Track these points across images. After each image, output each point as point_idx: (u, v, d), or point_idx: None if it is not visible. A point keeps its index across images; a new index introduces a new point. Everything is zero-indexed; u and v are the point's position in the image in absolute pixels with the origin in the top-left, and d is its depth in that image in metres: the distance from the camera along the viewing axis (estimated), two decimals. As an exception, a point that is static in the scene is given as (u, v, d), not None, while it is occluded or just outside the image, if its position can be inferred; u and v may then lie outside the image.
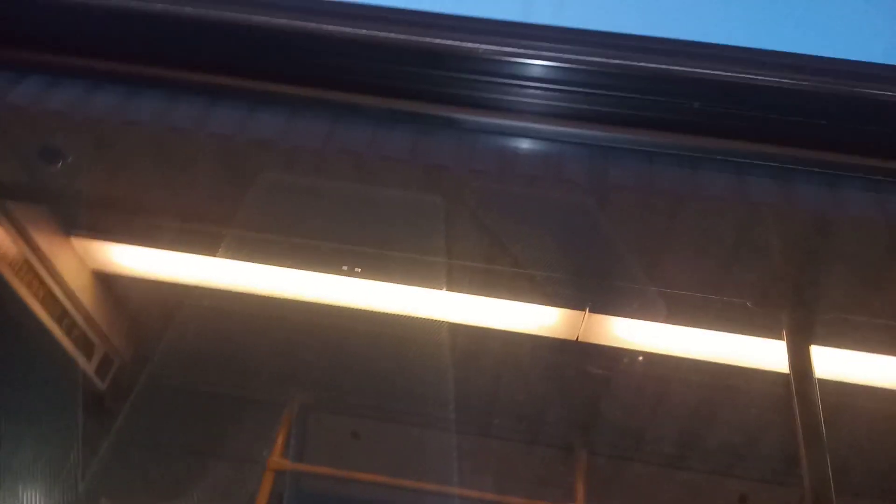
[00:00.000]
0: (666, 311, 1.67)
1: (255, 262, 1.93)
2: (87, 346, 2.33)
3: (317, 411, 2.43)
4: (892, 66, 1.06)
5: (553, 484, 2.12)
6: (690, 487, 2.13)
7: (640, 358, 1.82)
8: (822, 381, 1.35)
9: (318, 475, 2.39)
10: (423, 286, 1.86)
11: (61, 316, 2.18)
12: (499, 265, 1.61)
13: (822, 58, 0.96)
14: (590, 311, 1.66)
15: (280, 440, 2.32)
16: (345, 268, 1.93)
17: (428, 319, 1.89)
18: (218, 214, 1.86)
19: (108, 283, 2.20)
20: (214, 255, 1.97)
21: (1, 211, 1.84)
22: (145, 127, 1.46)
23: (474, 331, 1.87)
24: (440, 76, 0.90)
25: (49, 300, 2.10)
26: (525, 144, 1.09)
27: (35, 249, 1.97)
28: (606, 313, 1.70)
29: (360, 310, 1.97)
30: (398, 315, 1.93)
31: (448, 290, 1.83)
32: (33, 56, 1.09)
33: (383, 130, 1.10)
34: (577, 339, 1.74)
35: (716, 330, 1.71)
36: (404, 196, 1.43)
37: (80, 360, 2.31)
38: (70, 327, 2.23)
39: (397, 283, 1.89)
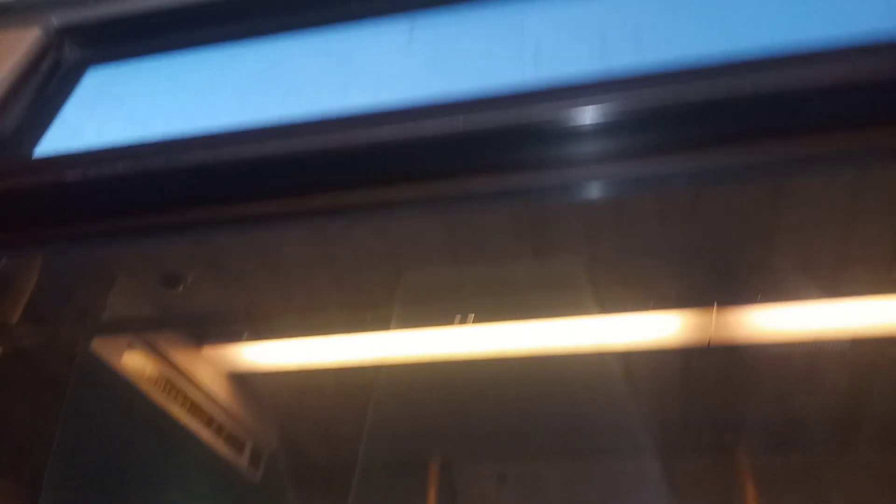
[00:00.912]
0: (799, 288, 1.58)
1: (371, 332, 1.99)
2: (236, 444, 2.45)
3: (460, 463, 2.44)
4: None
5: (717, 491, 2.03)
6: (862, 469, 1.99)
7: (779, 344, 1.73)
8: None
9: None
10: (536, 319, 1.85)
11: (209, 421, 2.31)
12: (615, 282, 1.58)
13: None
14: (717, 308, 1.60)
15: (432, 498, 2.35)
16: (458, 317, 1.95)
17: (551, 352, 1.87)
18: (327, 299, 1.93)
19: (242, 381, 2.31)
20: (330, 335, 2.05)
21: (139, 339, 1.98)
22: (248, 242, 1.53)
23: (599, 354, 1.83)
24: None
25: (195, 409, 2.24)
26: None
27: (174, 366, 2.11)
28: (735, 305, 1.63)
29: (484, 357, 1.98)
30: (521, 353, 1.93)
31: (563, 316, 1.81)
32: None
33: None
34: (709, 342, 1.68)
35: (853, 297, 1.61)
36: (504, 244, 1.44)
37: (233, 457, 2.44)
38: (218, 430, 2.36)
39: (511, 321, 1.89)
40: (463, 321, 1.96)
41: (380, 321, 1.99)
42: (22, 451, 1.98)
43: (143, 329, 1.86)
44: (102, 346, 1.85)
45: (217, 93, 0.97)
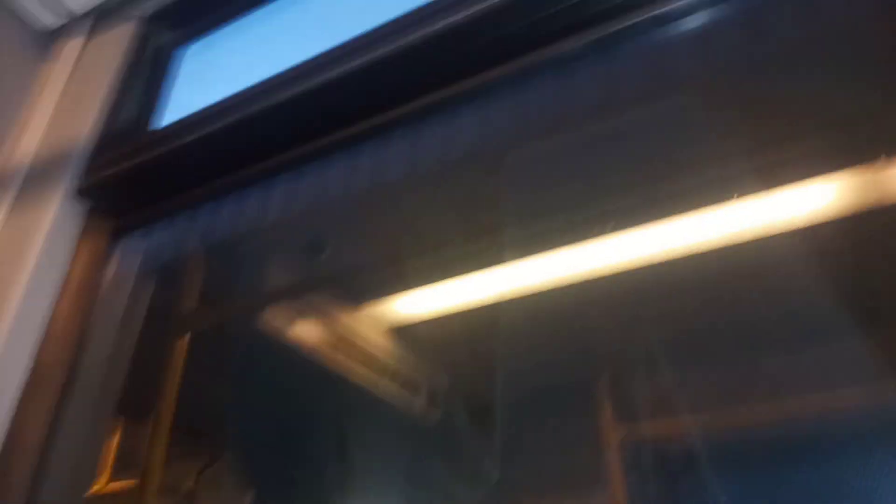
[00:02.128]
0: None
1: (526, 257, 1.97)
2: (414, 386, 2.58)
3: (632, 376, 2.39)
4: None
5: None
6: None
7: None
8: None
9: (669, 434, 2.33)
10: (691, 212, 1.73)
11: (384, 369, 2.44)
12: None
13: None
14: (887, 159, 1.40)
15: (608, 411, 2.32)
16: (605, 229, 1.88)
17: (711, 248, 1.75)
18: (469, 233, 1.93)
19: (404, 331, 2.40)
20: (482, 271, 2.06)
21: (303, 307, 2.11)
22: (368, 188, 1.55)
23: (764, 238, 1.69)
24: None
25: (371, 361, 2.38)
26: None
27: (341, 326, 2.24)
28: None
29: (640, 263, 1.90)
30: (676, 254, 1.83)
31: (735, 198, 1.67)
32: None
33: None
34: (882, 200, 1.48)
35: None
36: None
37: (413, 399, 2.57)
38: (395, 375, 2.49)
39: (664, 219, 1.79)
40: (605, 230, 1.89)
41: (538, 243, 1.96)
42: (219, 426, 2.21)
43: (302, 296, 1.98)
44: (272, 320, 1.99)
45: (292, 34, 0.99)
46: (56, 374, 1.28)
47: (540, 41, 1.02)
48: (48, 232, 1.27)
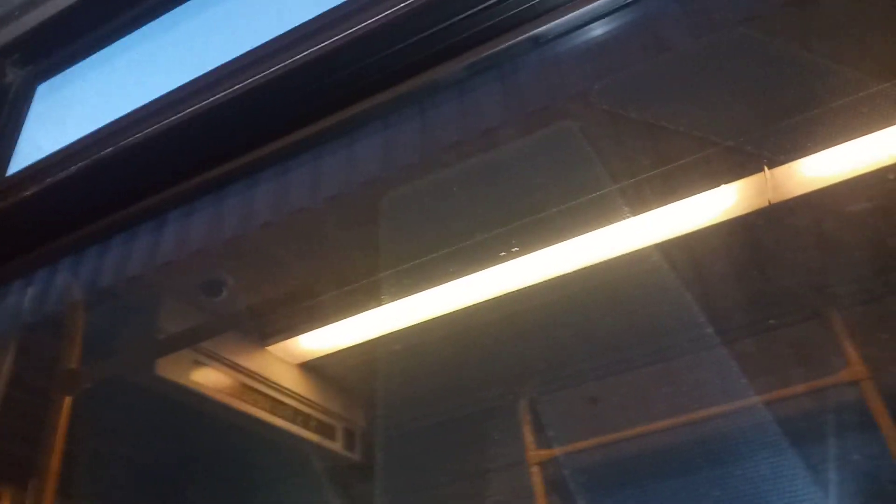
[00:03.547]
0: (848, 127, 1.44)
1: (424, 288, 1.94)
2: (327, 430, 2.48)
3: (548, 395, 2.40)
4: None
5: (818, 357, 1.92)
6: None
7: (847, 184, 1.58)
8: None
9: (582, 450, 2.35)
10: (585, 231, 1.76)
11: (294, 416, 2.33)
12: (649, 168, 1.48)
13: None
14: (769, 168, 1.48)
15: (528, 434, 2.32)
16: (503, 254, 1.88)
17: (612, 259, 1.78)
18: (372, 265, 1.89)
19: (313, 369, 2.32)
20: (388, 301, 2.01)
21: (200, 354, 1.99)
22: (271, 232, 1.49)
23: (662, 247, 1.74)
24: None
25: (277, 408, 2.26)
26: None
27: (244, 371, 2.12)
28: (786, 161, 1.50)
29: (539, 283, 1.91)
30: (577, 271, 1.85)
31: (616, 220, 1.71)
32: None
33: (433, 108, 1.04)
34: (770, 202, 1.56)
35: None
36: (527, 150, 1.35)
37: (327, 443, 2.46)
38: (305, 421, 2.38)
39: (556, 242, 1.81)
40: (507, 255, 1.89)
41: (434, 276, 1.94)
42: (123, 481, 2.04)
43: (198, 341, 1.87)
44: (167, 368, 1.86)
45: (159, 62, 0.93)
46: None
47: (408, 70, 1.00)
48: None
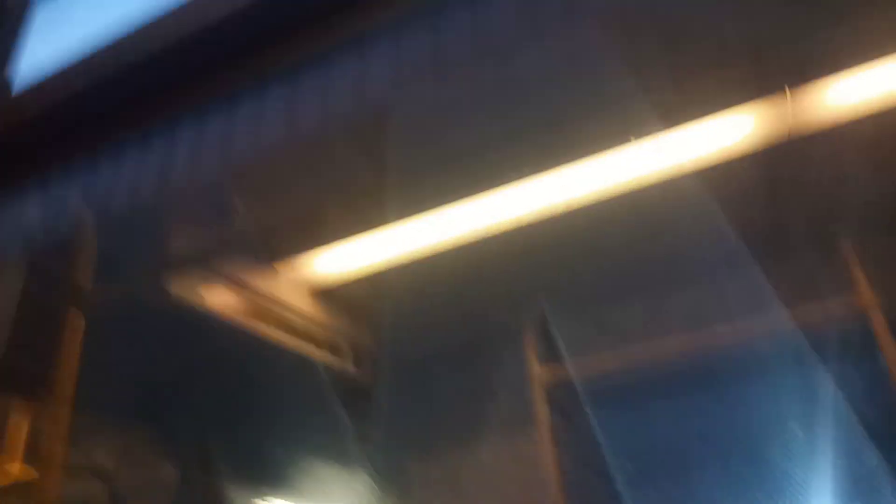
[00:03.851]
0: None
1: (434, 208, 1.93)
2: (338, 350, 2.52)
3: (555, 316, 2.42)
4: None
5: (827, 281, 1.91)
6: None
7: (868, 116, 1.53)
8: None
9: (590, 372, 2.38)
10: (600, 152, 1.72)
11: (304, 336, 2.37)
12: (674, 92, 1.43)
13: None
14: (790, 91, 1.43)
15: (531, 353, 2.36)
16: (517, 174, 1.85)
17: (628, 182, 1.75)
18: (382, 185, 1.87)
19: (325, 291, 2.34)
20: (400, 221, 2.00)
21: (214, 274, 2.01)
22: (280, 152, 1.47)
23: (679, 174, 1.70)
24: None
25: (290, 328, 2.30)
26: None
27: (255, 292, 2.14)
28: (807, 84, 1.45)
29: (550, 208, 1.89)
30: (588, 196, 1.83)
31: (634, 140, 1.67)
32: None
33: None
34: (790, 131, 1.51)
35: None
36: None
37: (339, 363, 2.51)
38: (316, 341, 2.42)
39: (568, 164, 1.78)
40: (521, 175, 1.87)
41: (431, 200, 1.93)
42: (138, 394, 2.10)
43: (210, 260, 1.88)
44: (180, 288, 1.88)
45: None
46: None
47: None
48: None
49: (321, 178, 1.85)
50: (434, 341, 2.44)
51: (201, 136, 1.17)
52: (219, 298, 2.05)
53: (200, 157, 1.32)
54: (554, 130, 1.62)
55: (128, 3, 0.95)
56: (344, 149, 1.71)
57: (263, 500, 2.48)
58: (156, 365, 2.10)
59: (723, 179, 1.67)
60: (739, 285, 1.90)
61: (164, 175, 1.26)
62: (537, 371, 2.41)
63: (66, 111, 1.07)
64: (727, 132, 1.58)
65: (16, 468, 2.12)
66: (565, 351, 2.32)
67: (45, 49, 0.97)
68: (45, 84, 0.99)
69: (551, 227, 1.97)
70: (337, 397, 2.25)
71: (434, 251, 2.07)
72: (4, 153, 1.16)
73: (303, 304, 2.32)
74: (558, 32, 1.14)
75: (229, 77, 1.04)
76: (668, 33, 1.27)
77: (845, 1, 1.30)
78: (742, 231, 1.87)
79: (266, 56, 1.03)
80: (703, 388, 2.11)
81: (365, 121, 1.51)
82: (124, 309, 1.75)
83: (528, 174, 1.84)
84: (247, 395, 2.25)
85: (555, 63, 1.36)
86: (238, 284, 2.10)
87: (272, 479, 2.43)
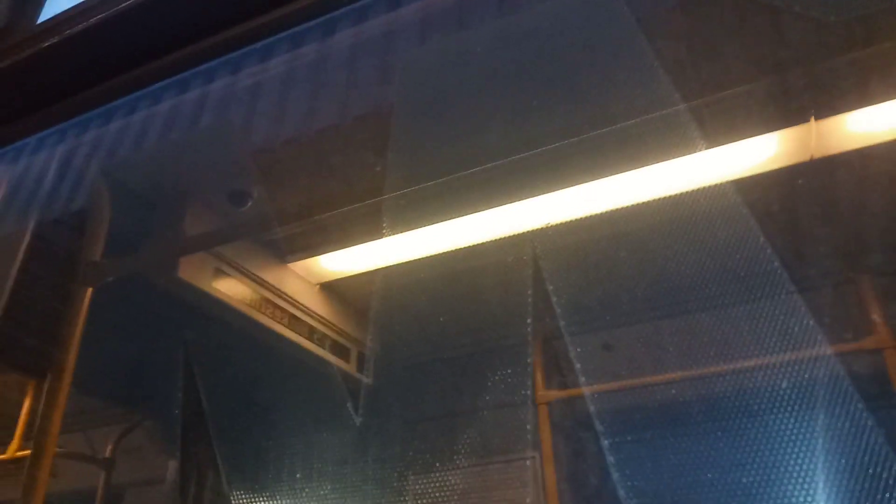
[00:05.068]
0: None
1: (445, 218, 1.92)
2: (342, 351, 2.51)
3: (562, 338, 2.39)
4: None
5: (842, 321, 1.87)
6: None
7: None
8: None
9: (591, 395, 2.35)
10: (620, 170, 1.71)
11: (310, 333, 2.37)
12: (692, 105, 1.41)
13: None
14: (816, 120, 1.41)
15: (539, 375, 2.33)
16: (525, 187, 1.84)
17: (644, 203, 1.73)
18: (395, 188, 1.86)
19: (333, 290, 2.33)
20: (411, 228, 2.00)
21: (224, 263, 2.01)
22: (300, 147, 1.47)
23: (690, 196, 1.68)
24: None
25: (295, 324, 2.29)
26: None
27: (265, 285, 2.14)
28: (834, 114, 1.43)
29: (561, 224, 1.87)
30: (601, 214, 1.81)
31: (647, 163, 1.66)
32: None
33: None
34: (812, 157, 1.49)
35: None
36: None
37: (342, 364, 2.50)
38: (322, 340, 2.42)
39: (581, 181, 1.77)
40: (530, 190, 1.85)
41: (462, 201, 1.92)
42: (137, 380, 2.10)
43: (220, 244, 1.88)
44: (189, 272, 1.88)
45: None
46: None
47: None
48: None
49: (338, 176, 1.85)
50: (439, 348, 2.42)
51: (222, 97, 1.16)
52: (228, 287, 2.05)
53: (221, 122, 1.31)
54: (573, 144, 1.61)
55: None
56: (362, 148, 1.72)
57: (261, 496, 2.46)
58: (159, 351, 2.10)
59: (743, 203, 1.64)
60: (753, 315, 1.85)
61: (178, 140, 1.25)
62: (542, 392, 2.38)
63: (88, 44, 1.04)
64: (751, 154, 1.56)
65: (12, 445, 2.12)
66: (569, 372, 2.29)
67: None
68: (69, 14, 0.98)
69: (561, 245, 1.95)
70: (340, 397, 2.24)
71: (446, 258, 2.06)
72: (28, 83, 1.14)
73: (310, 302, 2.32)
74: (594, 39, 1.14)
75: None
76: (698, 49, 1.25)
77: (876, 30, 1.28)
78: (759, 258, 1.84)
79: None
80: (712, 418, 2.06)
81: (383, 120, 1.52)
82: (132, 288, 1.75)
83: (546, 188, 1.83)
84: (249, 389, 2.24)
85: (579, 72, 1.35)
86: (249, 276, 2.10)
87: (270, 475, 2.41)
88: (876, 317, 1.76)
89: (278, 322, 2.24)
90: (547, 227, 1.90)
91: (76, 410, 1.81)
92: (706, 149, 1.57)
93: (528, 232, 1.93)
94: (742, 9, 1.19)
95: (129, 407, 2.40)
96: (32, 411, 2.03)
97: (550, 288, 2.18)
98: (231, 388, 2.28)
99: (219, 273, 2.00)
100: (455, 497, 2.42)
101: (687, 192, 1.64)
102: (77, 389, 1.59)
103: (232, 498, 2.13)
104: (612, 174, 1.77)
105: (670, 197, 1.67)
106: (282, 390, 2.21)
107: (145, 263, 1.75)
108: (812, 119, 1.47)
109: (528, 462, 2.35)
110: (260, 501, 2.17)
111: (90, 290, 1.61)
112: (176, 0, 0.96)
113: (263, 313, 2.18)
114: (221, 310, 2.02)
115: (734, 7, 1.17)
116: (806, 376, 1.82)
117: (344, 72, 1.07)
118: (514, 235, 1.96)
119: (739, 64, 1.30)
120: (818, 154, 1.48)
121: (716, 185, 1.63)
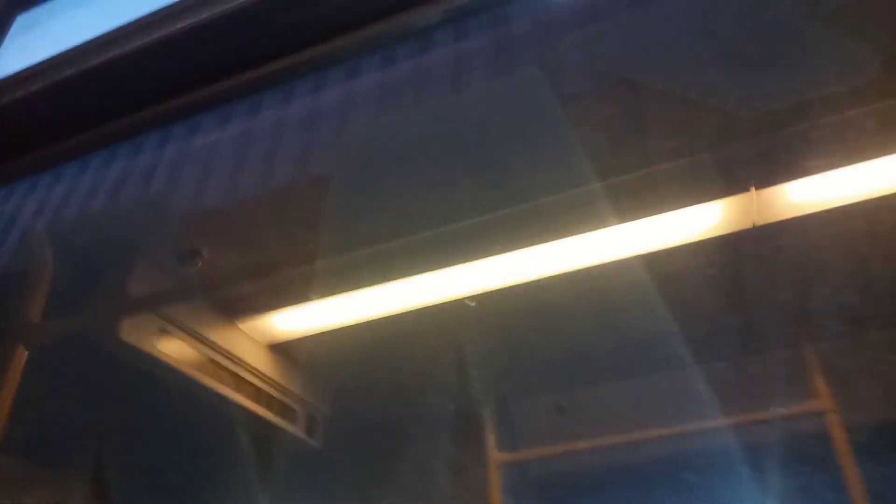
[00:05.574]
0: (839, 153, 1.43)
1: (398, 278, 1.92)
2: (289, 414, 2.44)
3: (516, 400, 2.39)
4: None
5: (785, 389, 1.92)
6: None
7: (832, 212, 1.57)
8: None
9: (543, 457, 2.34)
10: (566, 234, 1.74)
11: (257, 396, 2.30)
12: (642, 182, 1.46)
13: None
14: (756, 189, 1.47)
15: (491, 437, 2.30)
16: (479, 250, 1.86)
17: (583, 268, 1.77)
18: (349, 248, 1.86)
19: (282, 350, 2.29)
20: (364, 287, 1.99)
21: (169, 322, 1.96)
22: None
23: (639, 261, 1.72)
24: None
25: (242, 386, 2.23)
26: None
27: (211, 346, 2.08)
28: (775, 183, 1.49)
29: (518, 285, 1.89)
30: (551, 277, 1.84)
31: (594, 228, 1.70)
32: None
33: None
34: (754, 224, 1.55)
35: None
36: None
37: (289, 427, 2.43)
38: (269, 402, 2.35)
39: (533, 244, 1.79)
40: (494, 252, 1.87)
41: (411, 263, 1.92)
42: (75, 445, 2.00)
43: (165, 309, 1.83)
44: (131, 333, 1.82)
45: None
46: None
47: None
48: None
49: (290, 235, 1.84)
50: (389, 411, 2.38)
51: (174, 158, 1.15)
52: (172, 348, 1.98)
53: (171, 181, 1.30)
54: (519, 211, 1.64)
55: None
56: (313, 206, 1.71)
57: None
58: (98, 413, 2.01)
59: (687, 269, 1.69)
60: (700, 379, 1.89)
61: (127, 198, 1.23)
62: (495, 455, 2.35)
63: (36, 106, 1.04)
64: (691, 223, 1.62)
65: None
66: (522, 434, 2.27)
67: (19, 64, 0.96)
68: (16, 78, 0.97)
69: (514, 307, 1.97)
70: (284, 462, 2.17)
71: (398, 318, 2.05)
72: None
73: (259, 363, 2.26)
74: (526, 109, 1.17)
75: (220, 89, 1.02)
76: (636, 118, 1.31)
77: (821, 102, 1.35)
78: (706, 324, 1.88)
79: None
80: (664, 480, 2.07)
81: (333, 177, 1.52)
82: (71, 349, 1.68)
83: (494, 251, 1.84)
84: (191, 453, 2.15)
85: (517, 142, 1.39)
86: (195, 336, 2.04)
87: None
88: (818, 381, 1.81)
89: (224, 384, 2.17)
90: (501, 289, 1.92)
91: (8, 475, 1.71)
92: (641, 218, 1.63)
93: (476, 295, 1.94)
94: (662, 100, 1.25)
95: (62, 471, 2.27)
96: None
97: (503, 350, 2.19)
98: (171, 451, 2.18)
99: (163, 333, 1.94)
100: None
101: (615, 262, 1.68)
102: (10, 453, 1.52)
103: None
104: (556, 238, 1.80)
105: (596, 266, 1.71)
106: (225, 455, 2.13)
107: (85, 324, 1.68)
108: (753, 189, 1.53)
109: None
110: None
111: (26, 352, 1.54)
112: (132, 65, 0.95)
113: (209, 375, 2.11)
114: (165, 371, 1.95)
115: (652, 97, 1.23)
116: (747, 440, 1.85)
117: (297, 137, 1.08)
118: (452, 301, 1.96)
119: (679, 136, 1.35)
120: (760, 221, 1.54)
121: (662, 252, 1.68)
